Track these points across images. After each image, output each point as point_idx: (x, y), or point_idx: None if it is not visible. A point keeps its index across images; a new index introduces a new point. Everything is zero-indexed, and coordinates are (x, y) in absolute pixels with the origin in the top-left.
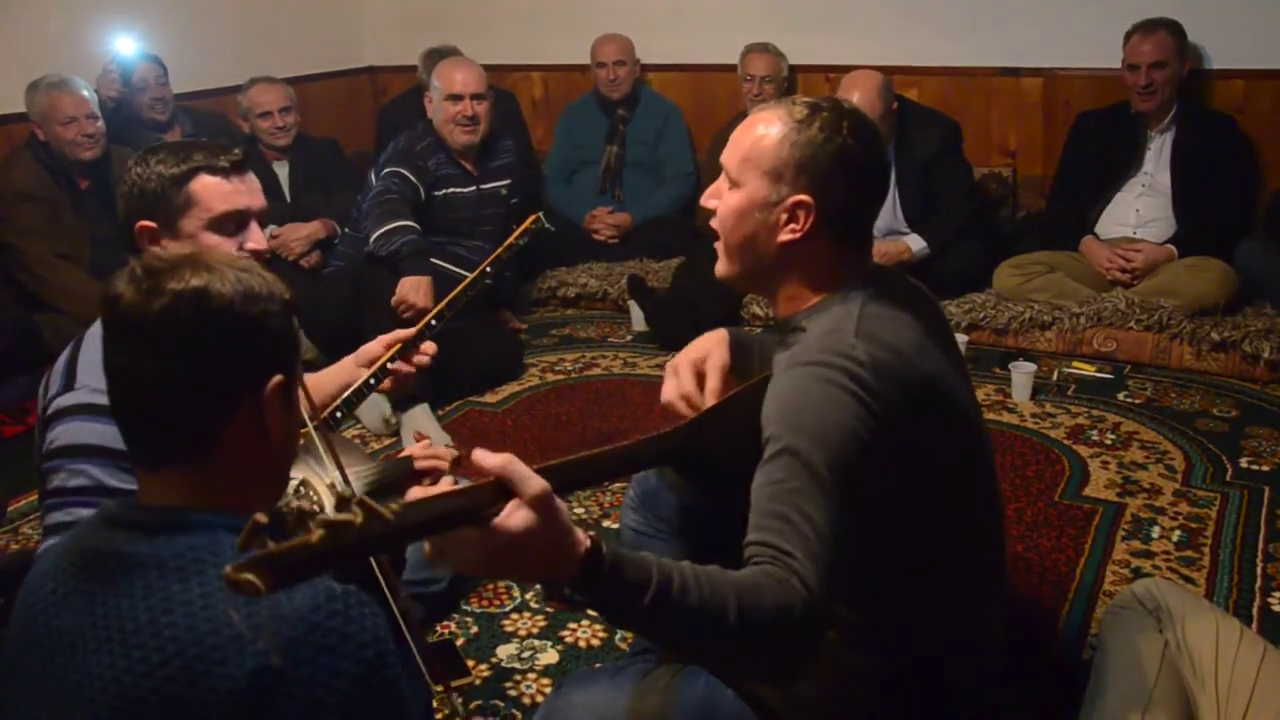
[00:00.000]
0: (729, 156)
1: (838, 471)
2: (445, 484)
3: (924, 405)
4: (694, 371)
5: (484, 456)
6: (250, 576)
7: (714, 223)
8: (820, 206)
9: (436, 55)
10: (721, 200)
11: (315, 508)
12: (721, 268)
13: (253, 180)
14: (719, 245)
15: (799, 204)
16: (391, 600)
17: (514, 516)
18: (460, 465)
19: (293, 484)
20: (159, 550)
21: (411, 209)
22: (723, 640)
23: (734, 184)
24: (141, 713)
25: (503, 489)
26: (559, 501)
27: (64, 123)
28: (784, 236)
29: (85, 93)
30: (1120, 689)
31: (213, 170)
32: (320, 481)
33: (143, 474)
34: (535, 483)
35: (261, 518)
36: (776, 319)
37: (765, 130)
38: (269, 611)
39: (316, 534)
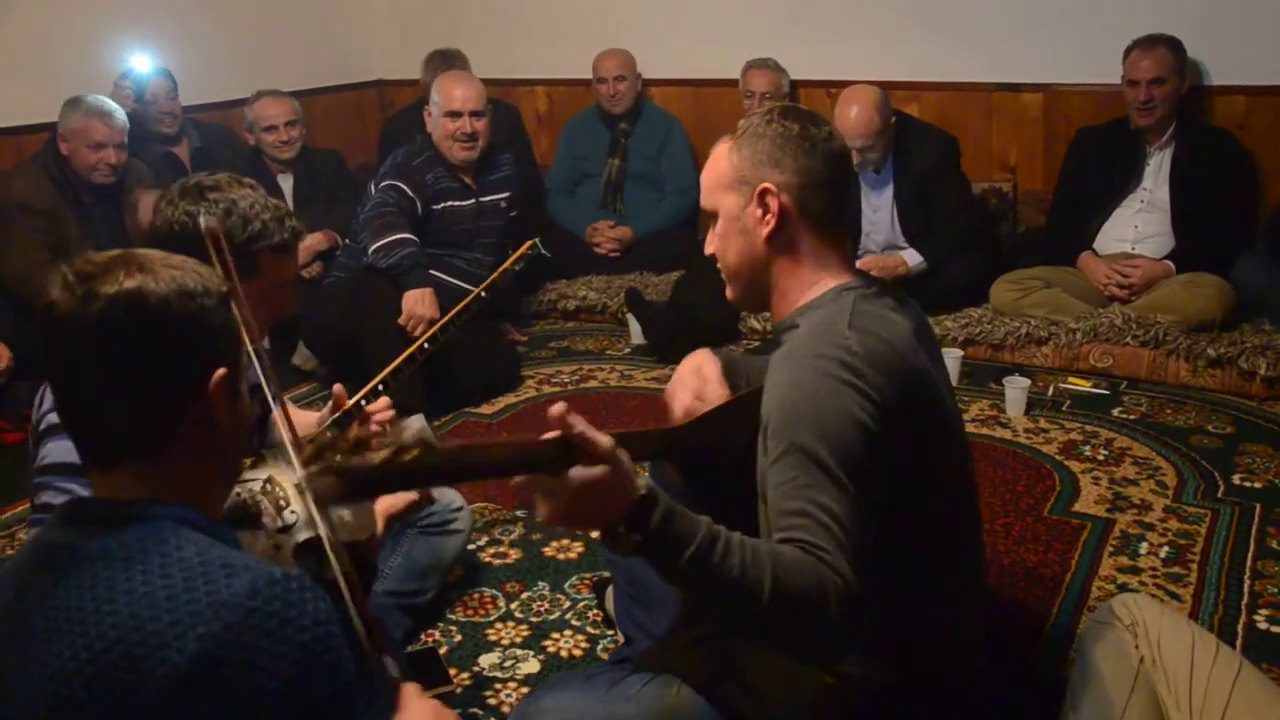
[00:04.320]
0: (703, 198)
1: (844, 460)
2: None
3: (913, 398)
4: (693, 392)
5: (569, 419)
6: (331, 481)
7: (719, 265)
8: (783, 187)
9: (440, 57)
10: (714, 237)
11: (283, 501)
12: (729, 293)
13: (299, 241)
14: (725, 277)
15: (764, 192)
16: (354, 612)
17: (591, 472)
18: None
19: (259, 481)
20: (107, 543)
21: (408, 222)
22: (754, 611)
23: (714, 216)
24: (86, 699)
25: (566, 448)
26: (624, 453)
27: (92, 147)
28: (765, 230)
29: (121, 125)
30: (1094, 704)
31: (277, 249)
32: (288, 480)
33: (96, 475)
34: (605, 439)
35: (327, 434)
36: (773, 325)
37: (715, 157)
38: (208, 598)
39: (380, 455)
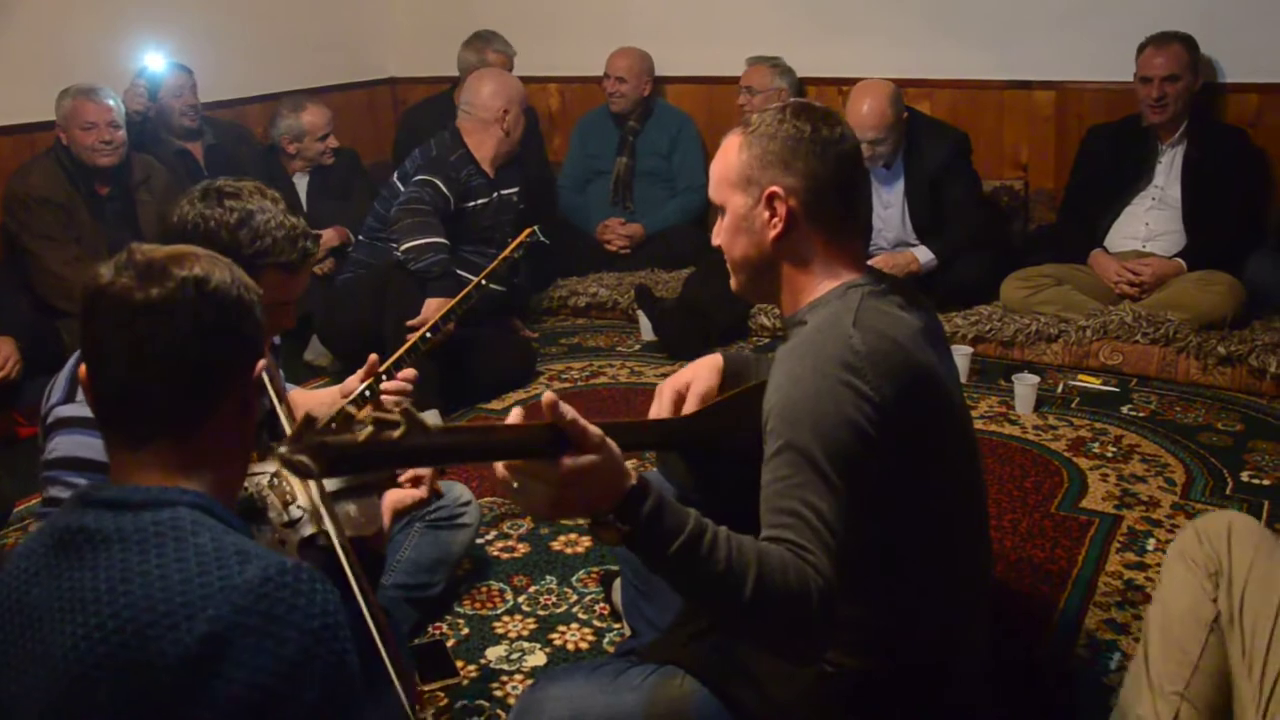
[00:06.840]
0: (711, 190)
1: (838, 462)
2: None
3: (919, 395)
4: (674, 397)
5: (560, 408)
6: (305, 458)
7: (725, 257)
8: (791, 190)
9: (479, 38)
10: (720, 230)
11: (290, 496)
12: (733, 284)
13: (310, 262)
14: (730, 269)
15: (771, 195)
16: (362, 603)
17: (583, 459)
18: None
19: (266, 475)
20: (122, 525)
21: (441, 220)
22: (736, 606)
23: (722, 211)
24: (98, 678)
25: (555, 436)
26: (613, 443)
27: (84, 128)
28: (772, 233)
29: (110, 102)
30: (1164, 659)
31: (283, 267)
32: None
33: (123, 454)
34: (594, 430)
35: (312, 414)
36: (782, 320)
37: (725, 150)
38: (220, 582)
39: (363, 433)
